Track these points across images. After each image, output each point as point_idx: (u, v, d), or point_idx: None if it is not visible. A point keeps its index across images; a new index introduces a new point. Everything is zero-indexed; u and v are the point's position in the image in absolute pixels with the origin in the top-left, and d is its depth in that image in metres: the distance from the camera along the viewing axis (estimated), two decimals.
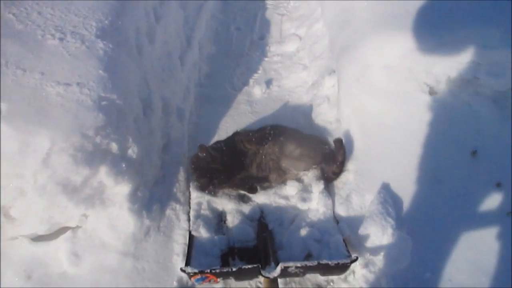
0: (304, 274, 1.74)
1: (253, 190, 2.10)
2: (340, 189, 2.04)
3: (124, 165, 1.80)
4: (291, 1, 3.65)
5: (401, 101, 2.05)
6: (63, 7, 2.10)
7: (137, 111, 2.04)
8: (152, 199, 1.97)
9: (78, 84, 1.79)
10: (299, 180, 2.14)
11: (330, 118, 2.32)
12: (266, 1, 3.73)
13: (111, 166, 1.75)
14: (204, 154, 2.02)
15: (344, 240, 1.83)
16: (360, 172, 1.99)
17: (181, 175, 2.17)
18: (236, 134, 2.21)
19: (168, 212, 2.01)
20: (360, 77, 2.10)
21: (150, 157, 2.05)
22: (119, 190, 1.80)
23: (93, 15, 2.09)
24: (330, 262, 1.66)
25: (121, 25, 2.14)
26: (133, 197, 1.85)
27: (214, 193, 2.08)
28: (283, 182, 2.14)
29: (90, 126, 1.72)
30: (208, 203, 2.07)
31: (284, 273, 1.68)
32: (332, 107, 2.35)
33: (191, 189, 2.11)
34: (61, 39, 1.93)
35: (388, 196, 1.83)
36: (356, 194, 1.96)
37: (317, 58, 2.73)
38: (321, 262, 1.67)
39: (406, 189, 1.86)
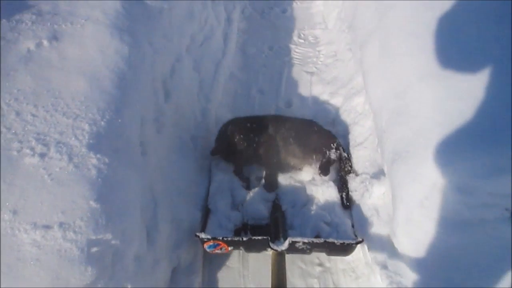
0: (310, 251, 1.88)
1: (271, 189, 2.25)
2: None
3: None
4: (321, 55, 3.23)
5: (479, 233, 1.61)
6: (48, 103, 1.71)
7: (138, 244, 1.63)
8: None
9: (60, 225, 1.40)
10: (314, 166, 2.32)
11: (383, 241, 1.88)
12: (292, 55, 3.32)
13: None
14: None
15: (352, 225, 2.03)
16: None
17: None
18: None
19: None
20: (425, 200, 1.67)
21: None
22: None
23: (86, 112, 1.70)
24: (336, 241, 1.81)
25: (121, 124, 1.75)
26: None
27: (238, 172, 2.29)
28: (300, 168, 2.34)
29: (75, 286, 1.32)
30: (228, 182, 2.26)
31: (292, 248, 1.83)
32: (383, 225, 1.91)
33: (212, 167, 2.32)
34: (42, 156, 1.54)
35: None
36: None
37: (358, 145, 2.30)
38: (327, 240, 1.82)
39: None
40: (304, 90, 2.97)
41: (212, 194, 2.19)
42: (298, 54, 3.34)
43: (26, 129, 1.62)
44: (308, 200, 2.17)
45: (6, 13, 2.06)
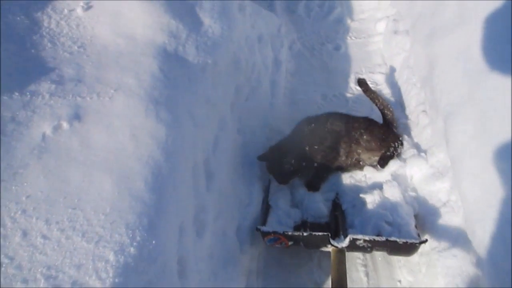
0: (371, 249, 1.89)
1: (314, 189, 2.28)
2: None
3: None
4: None
5: None
6: (64, 218, 1.36)
7: None
8: None
9: None
10: (374, 165, 2.33)
11: None
12: (350, 106, 2.91)
13: None
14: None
15: (416, 225, 1.97)
16: None
17: None
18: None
19: None
20: None
21: None
22: None
23: (112, 232, 1.34)
24: (398, 240, 1.80)
25: (155, 246, 1.38)
26: None
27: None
28: (360, 168, 2.35)
29: None
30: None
31: (353, 245, 1.85)
32: None
33: None
34: None
35: None
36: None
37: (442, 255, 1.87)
38: (389, 239, 1.81)
39: None
40: None
41: (272, 191, 2.25)
42: (356, 105, 2.91)
43: (34, 259, 1.25)
44: (369, 199, 2.14)
45: (21, 80, 1.71)
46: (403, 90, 2.81)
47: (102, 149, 1.55)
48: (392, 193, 2.12)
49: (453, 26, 2.40)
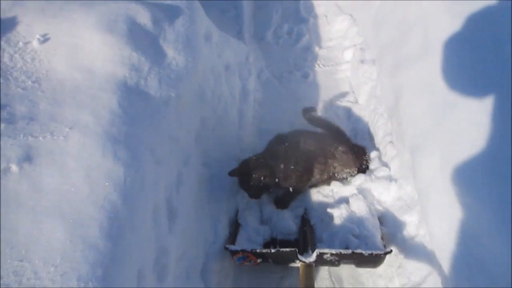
0: (339, 263, 1.95)
1: (283, 207, 2.30)
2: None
3: None
4: None
5: None
6: (10, 272, 1.27)
7: None
8: None
9: None
10: (340, 179, 2.40)
11: None
12: None
13: None
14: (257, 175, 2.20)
15: (382, 237, 2.03)
16: None
17: None
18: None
19: None
20: None
21: None
22: None
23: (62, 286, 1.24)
24: (364, 252, 1.87)
25: None
26: None
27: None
28: (328, 183, 2.39)
29: None
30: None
31: (320, 259, 1.91)
32: None
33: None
34: None
35: None
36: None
37: None
38: (355, 251, 1.87)
39: None
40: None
41: (241, 209, 2.27)
42: None
43: None
44: (337, 213, 2.20)
45: None
46: (370, 119, 2.82)
47: (54, 193, 1.47)
48: (358, 207, 2.19)
49: (418, 57, 2.43)
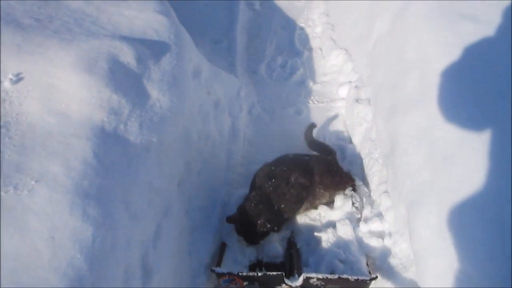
0: (325, 287, 1.96)
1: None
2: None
3: None
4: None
5: None
6: None
7: None
8: None
9: None
10: (327, 204, 2.42)
11: None
12: None
13: None
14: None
15: (367, 263, 2.05)
16: None
17: None
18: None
19: None
20: None
21: None
22: None
23: None
24: (350, 277, 1.91)
25: None
26: None
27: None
28: (315, 207, 2.41)
29: None
30: None
31: (306, 284, 1.94)
32: None
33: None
34: None
35: None
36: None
37: None
38: (341, 276, 1.91)
39: None
40: None
41: (228, 229, 2.25)
42: None
43: None
44: (323, 238, 2.22)
45: None
46: (365, 163, 2.70)
47: (11, 258, 1.33)
48: (345, 232, 2.21)
49: (415, 102, 2.33)
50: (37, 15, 2.24)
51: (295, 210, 2.36)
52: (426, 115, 2.17)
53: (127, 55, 2.14)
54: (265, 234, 2.22)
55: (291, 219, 2.37)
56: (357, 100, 3.06)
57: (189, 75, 2.48)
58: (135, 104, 2.00)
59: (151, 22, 2.50)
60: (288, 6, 4.81)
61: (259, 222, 2.17)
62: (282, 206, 2.27)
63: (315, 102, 3.54)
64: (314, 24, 4.52)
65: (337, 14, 4.29)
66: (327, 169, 2.47)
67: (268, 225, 2.18)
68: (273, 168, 2.40)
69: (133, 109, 1.97)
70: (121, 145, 1.82)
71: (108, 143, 1.78)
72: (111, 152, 1.76)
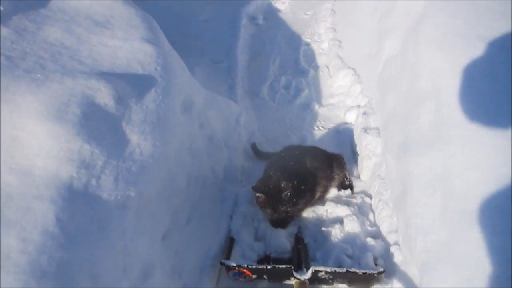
0: (333, 281, 2.01)
1: (281, 227, 2.32)
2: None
3: None
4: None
5: None
6: None
7: None
8: None
9: None
10: (335, 200, 2.50)
11: None
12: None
13: None
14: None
15: (374, 257, 2.09)
16: None
17: None
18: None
19: None
20: None
21: None
22: None
23: None
24: (358, 271, 1.94)
25: None
26: None
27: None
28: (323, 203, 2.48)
29: None
30: (252, 214, 2.40)
31: (315, 277, 1.97)
32: None
33: (238, 197, 2.50)
34: None
35: None
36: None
37: None
38: (349, 270, 1.95)
39: None
40: None
41: (237, 224, 2.30)
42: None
43: None
44: (330, 233, 2.25)
45: None
46: (374, 203, 2.47)
47: None
48: (352, 227, 2.25)
49: (429, 141, 2.10)
50: (9, 51, 2.05)
51: (321, 193, 2.47)
52: (442, 159, 1.94)
53: (104, 96, 1.94)
54: (287, 212, 2.27)
55: (306, 208, 2.42)
56: (365, 130, 2.84)
57: (177, 110, 2.28)
58: (111, 153, 1.80)
59: (136, 53, 2.31)
60: (293, 20, 4.62)
61: (284, 194, 2.21)
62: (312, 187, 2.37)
63: (321, 128, 3.32)
64: (321, 39, 4.31)
65: (345, 30, 4.08)
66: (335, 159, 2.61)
67: (294, 200, 2.24)
68: (284, 155, 2.54)
69: (108, 160, 1.77)
70: (91, 205, 1.62)
71: (76, 205, 1.58)
72: (78, 215, 1.56)
